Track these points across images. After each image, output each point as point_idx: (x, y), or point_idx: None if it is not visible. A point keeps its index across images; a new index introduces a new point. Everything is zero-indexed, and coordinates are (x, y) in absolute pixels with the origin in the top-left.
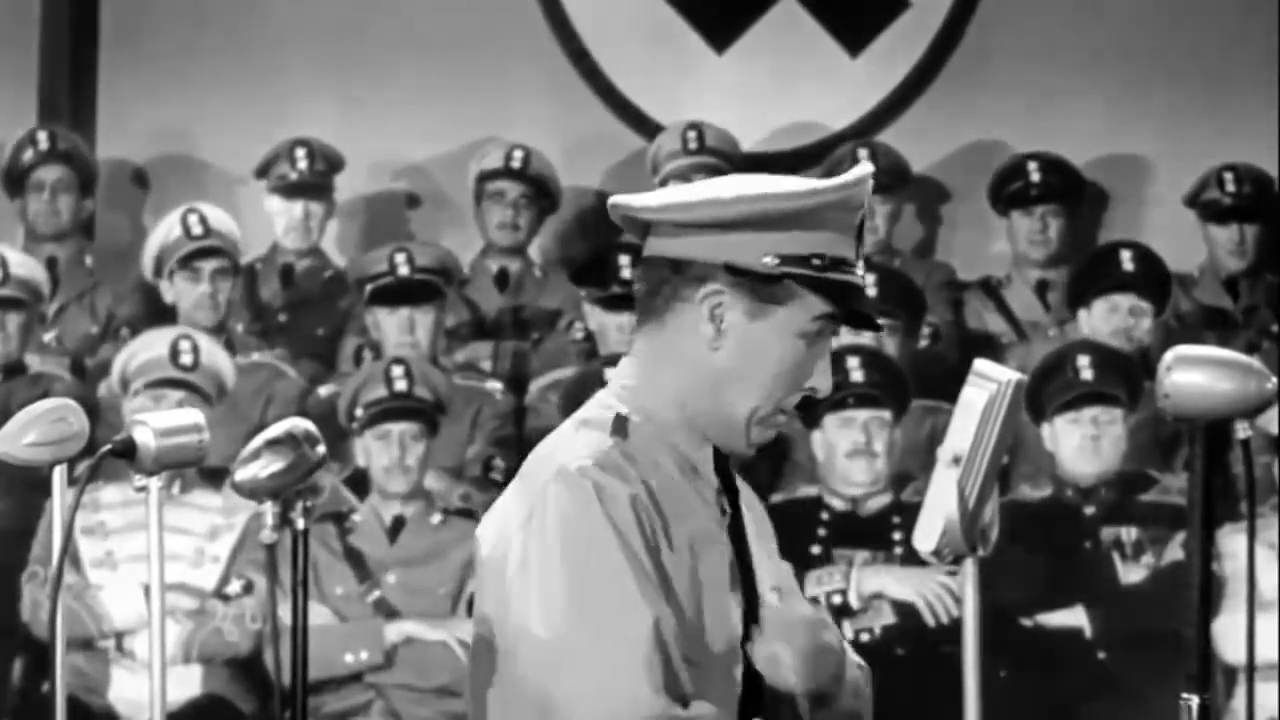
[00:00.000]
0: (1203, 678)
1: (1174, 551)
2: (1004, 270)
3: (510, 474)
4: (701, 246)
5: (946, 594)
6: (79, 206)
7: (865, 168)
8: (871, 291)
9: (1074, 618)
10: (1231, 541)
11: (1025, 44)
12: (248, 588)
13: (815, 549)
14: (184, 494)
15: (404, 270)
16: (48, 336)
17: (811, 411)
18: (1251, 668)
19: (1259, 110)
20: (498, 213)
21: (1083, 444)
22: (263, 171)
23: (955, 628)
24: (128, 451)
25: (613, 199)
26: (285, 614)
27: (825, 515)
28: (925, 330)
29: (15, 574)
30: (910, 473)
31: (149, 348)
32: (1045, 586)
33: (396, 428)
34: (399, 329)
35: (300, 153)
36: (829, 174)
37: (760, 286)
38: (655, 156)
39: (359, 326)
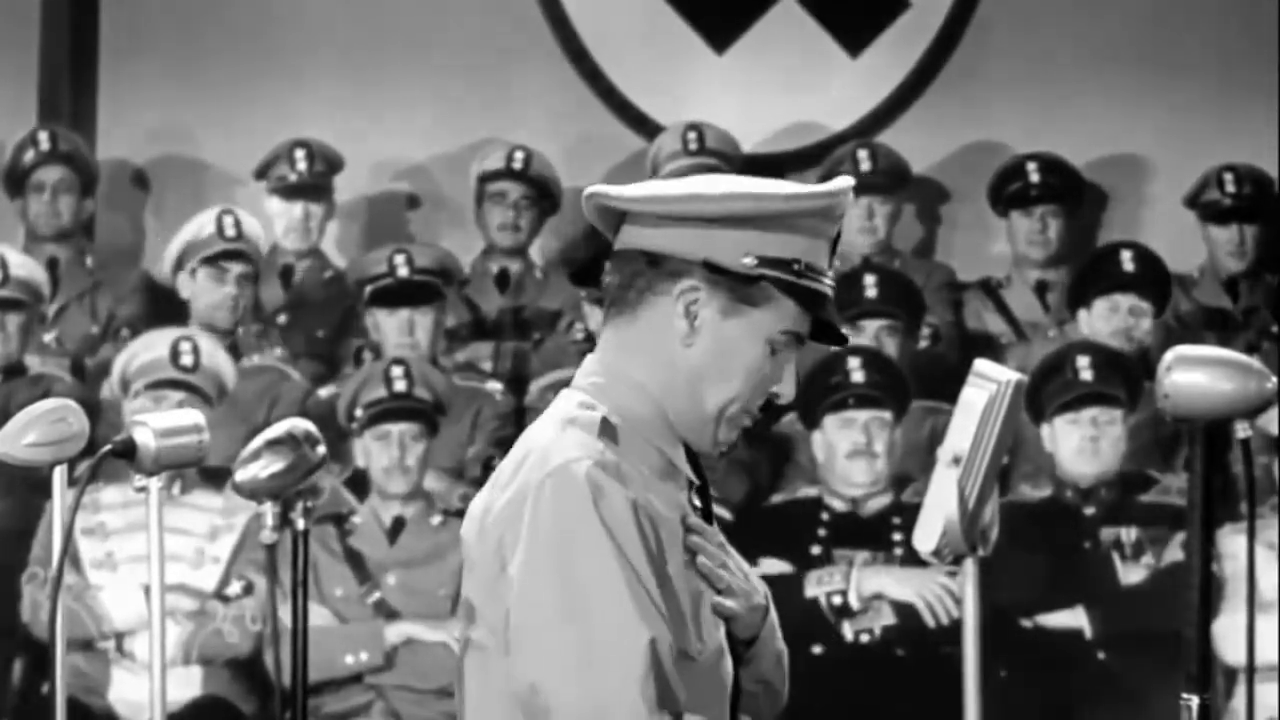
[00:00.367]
0: (1203, 678)
1: (1174, 552)
2: (1004, 271)
3: None
4: (681, 241)
5: (947, 595)
6: (79, 207)
7: (847, 180)
8: (872, 293)
9: (1074, 618)
10: (1231, 542)
11: (1025, 44)
12: (248, 589)
13: (815, 549)
14: (184, 495)
15: (403, 271)
16: (48, 337)
17: (777, 416)
18: (1251, 668)
19: (1259, 110)
20: (499, 214)
21: (1082, 444)
22: (262, 172)
23: (955, 628)
24: (128, 452)
25: (590, 188)
26: (285, 615)
27: (825, 516)
28: (925, 331)
29: (15, 574)
30: (910, 473)
31: (150, 349)
32: (1045, 587)
33: (396, 428)
34: (398, 330)
35: (300, 153)
36: (829, 175)
37: (738, 286)
38: (655, 157)
39: (359, 328)
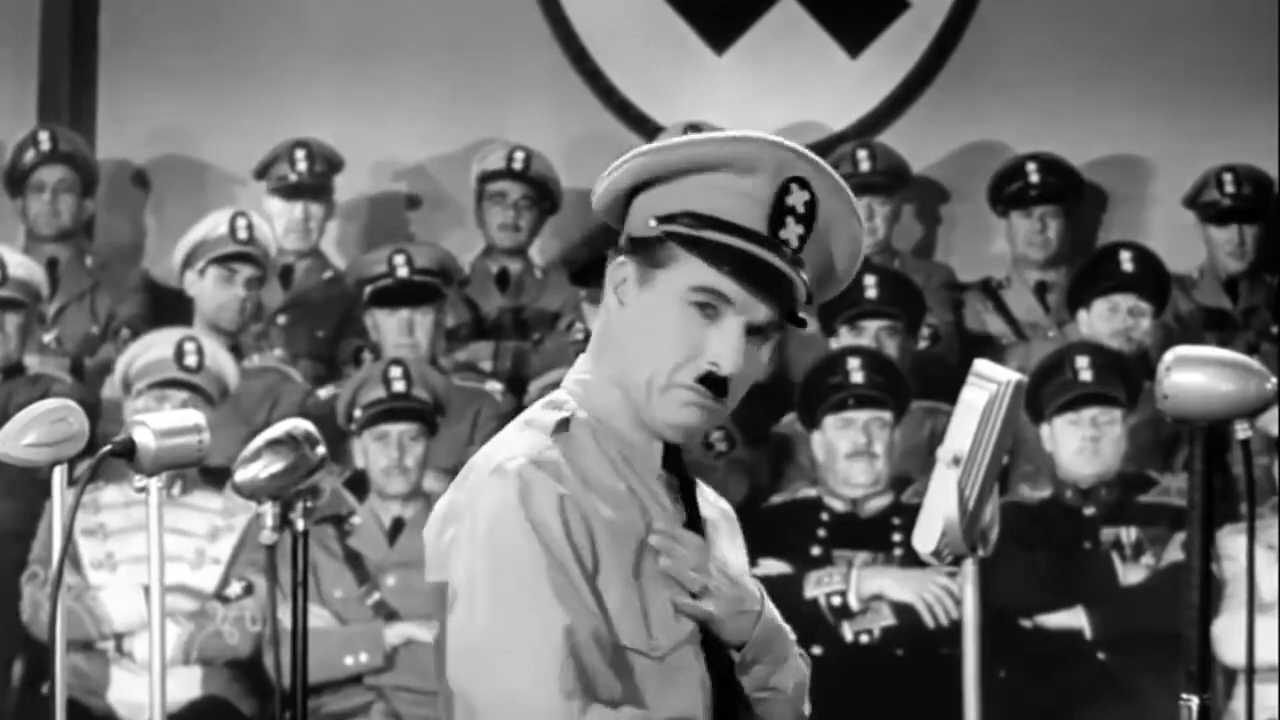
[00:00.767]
0: (1202, 678)
1: (1174, 552)
2: (1003, 271)
3: None
4: (627, 224)
5: (946, 595)
6: (79, 207)
7: (760, 132)
8: (872, 293)
9: (1074, 618)
10: (1231, 542)
11: (1025, 45)
12: (248, 589)
13: (815, 550)
14: (184, 495)
15: (403, 272)
16: (47, 337)
17: (723, 395)
18: (1251, 669)
19: (1259, 110)
20: (499, 214)
21: (1082, 445)
22: (262, 172)
23: (955, 629)
24: (128, 452)
25: (594, 201)
26: (285, 616)
27: (825, 516)
28: (925, 331)
29: (15, 574)
30: (910, 474)
31: (153, 349)
32: (1045, 587)
33: (395, 429)
34: (398, 330)
35: (300, 154)
36: None
37: (649, 253)
38: None
39: (358, 328)
